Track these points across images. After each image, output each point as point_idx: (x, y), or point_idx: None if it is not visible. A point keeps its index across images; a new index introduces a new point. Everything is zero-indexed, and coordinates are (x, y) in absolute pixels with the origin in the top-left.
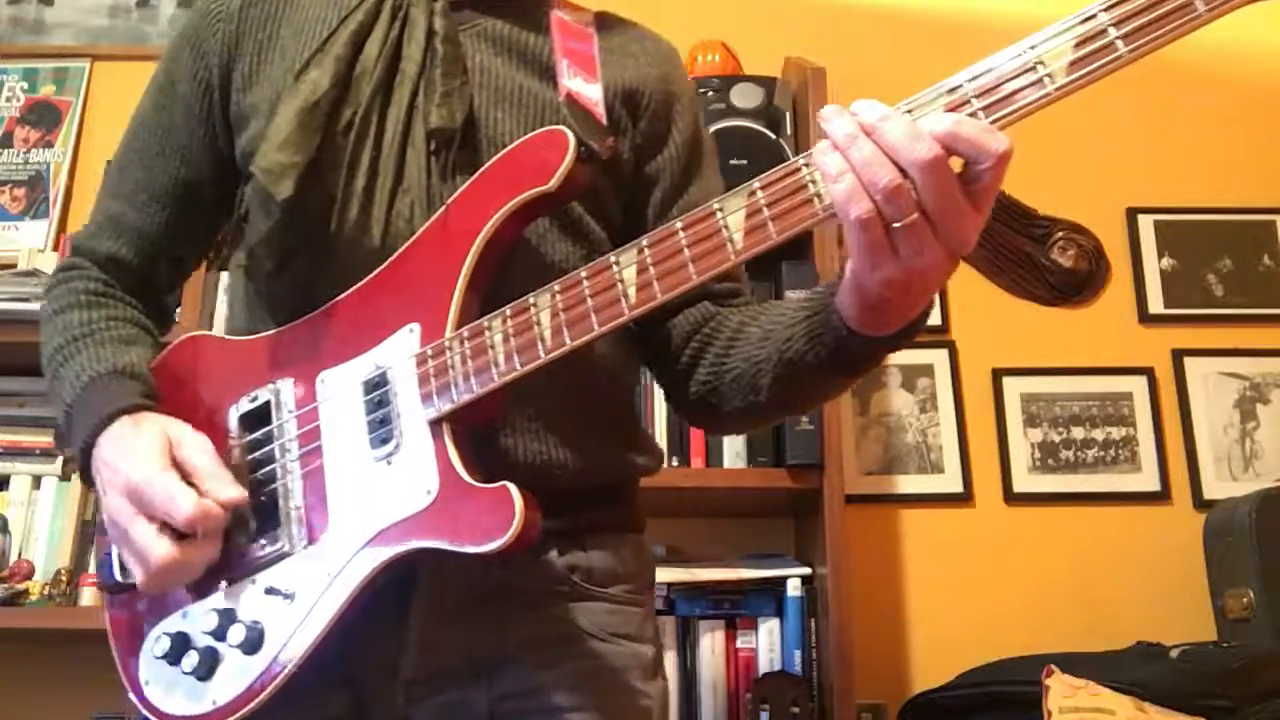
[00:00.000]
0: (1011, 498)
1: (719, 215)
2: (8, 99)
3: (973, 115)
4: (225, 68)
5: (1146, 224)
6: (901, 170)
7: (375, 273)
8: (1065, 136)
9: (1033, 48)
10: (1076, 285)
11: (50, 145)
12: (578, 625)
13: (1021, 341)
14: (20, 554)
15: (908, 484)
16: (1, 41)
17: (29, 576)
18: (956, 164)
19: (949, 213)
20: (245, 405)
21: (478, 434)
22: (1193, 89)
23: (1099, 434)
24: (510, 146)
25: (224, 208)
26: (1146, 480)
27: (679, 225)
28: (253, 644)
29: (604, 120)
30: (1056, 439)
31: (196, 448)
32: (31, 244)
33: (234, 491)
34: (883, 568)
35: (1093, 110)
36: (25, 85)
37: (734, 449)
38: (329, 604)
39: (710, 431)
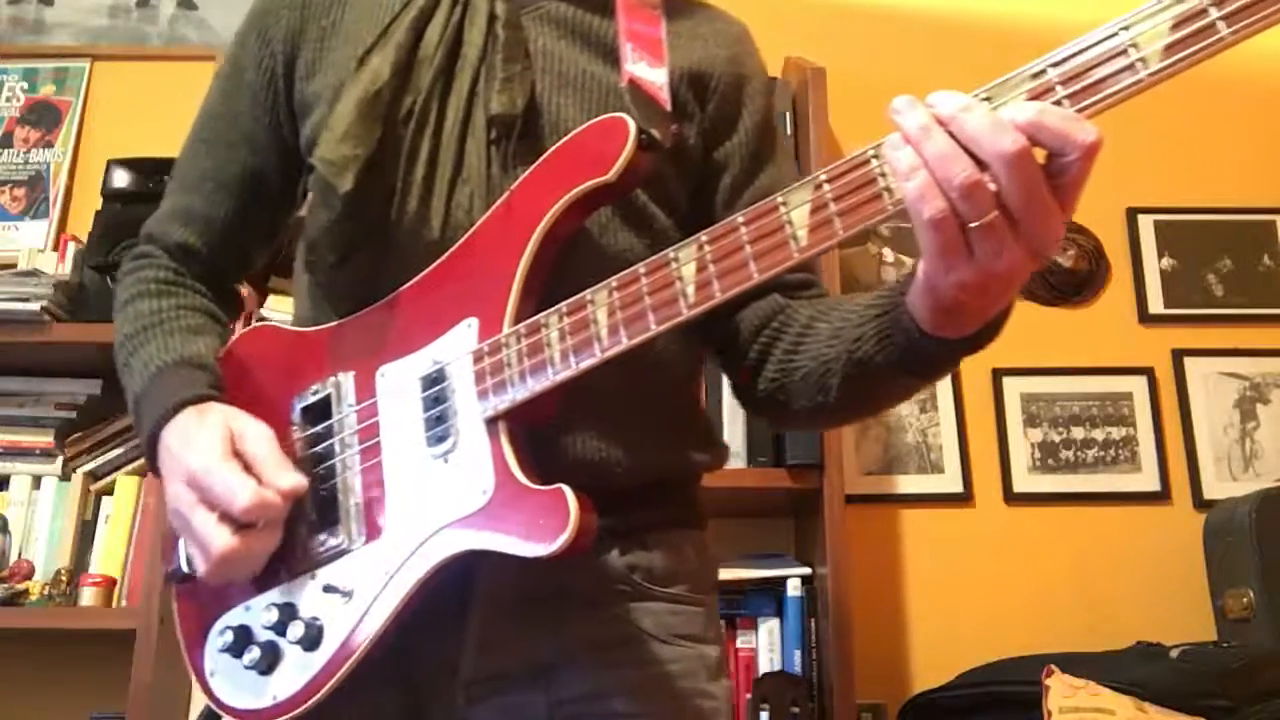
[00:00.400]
0: (1011, 498)
1: (782, 210)
2: (8, 99)
3: (1057, 104)
4: (290, 56)
5: (1146, 224)
6: (979, 165)
7: (435, 265)
8: None
9: (1125, 29)
10: (1076, 285)
11: (50, 145)
12: (639, 627)
13: (1021, 341)
14: (20, 554)
15: (908, 484)
16: (1, 41)
17: (29, 576)
18: (1039, 156)
19: (1033, 210)
20: (308, 398)
21: (535, 431)
22: (1193, 89)
23: (1099, 434)
24: (568, 135)
25: (289, 197)
26: (1146, 480)
27: (740, 220)
28: (312, 641)
29: (668, 106)
30: (1056, 439)
31: (258, 439)
32: (31, 244)
33: (293, 480)
34: (883, 568)
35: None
36: (25, 85)
37: (734, 449)
38: (387, 602)
39: (779, 428)
